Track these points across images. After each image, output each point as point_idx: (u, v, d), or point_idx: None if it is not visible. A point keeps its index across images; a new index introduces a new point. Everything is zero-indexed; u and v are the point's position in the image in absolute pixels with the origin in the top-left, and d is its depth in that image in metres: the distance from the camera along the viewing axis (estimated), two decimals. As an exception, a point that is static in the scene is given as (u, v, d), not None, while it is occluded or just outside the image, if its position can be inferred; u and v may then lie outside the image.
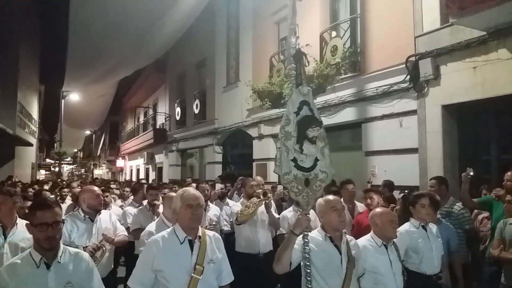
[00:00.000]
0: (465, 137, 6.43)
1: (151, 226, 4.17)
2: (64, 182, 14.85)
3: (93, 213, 4.14)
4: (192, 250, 2.70)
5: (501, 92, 5.51)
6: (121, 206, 7.15)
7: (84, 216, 4.10)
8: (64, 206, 6.53)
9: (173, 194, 4.39)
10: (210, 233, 2.93)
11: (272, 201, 5.58)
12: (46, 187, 10.37)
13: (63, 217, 3.97)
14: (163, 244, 2.70)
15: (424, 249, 3.71)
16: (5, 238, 3.46)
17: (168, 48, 17.00)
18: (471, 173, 4.55)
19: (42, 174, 34.32)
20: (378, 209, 3.62)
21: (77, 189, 7.37)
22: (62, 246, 2.54)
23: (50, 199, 2.58)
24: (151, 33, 13.43)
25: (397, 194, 5.86)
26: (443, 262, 3.91)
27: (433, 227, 3.94)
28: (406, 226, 3.86)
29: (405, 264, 3.58)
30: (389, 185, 6.41)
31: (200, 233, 2.78)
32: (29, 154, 21.13)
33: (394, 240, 3.55)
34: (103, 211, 4.30)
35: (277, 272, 2.96)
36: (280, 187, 7.06)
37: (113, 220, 4.39)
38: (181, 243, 2.71)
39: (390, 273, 3.27)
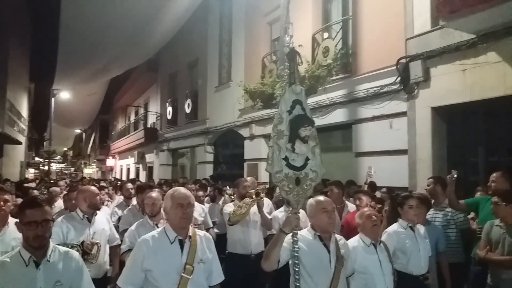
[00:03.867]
0: (454, 139, 6.50)
1: (133, 226, 4.22)
2: (52, 181, 14.73)
3: (91, 213, 4.14)
4: (182, 250, 2.70)
5: (490, 94, 5.58)
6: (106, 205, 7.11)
7: (82, 216, 4.10)
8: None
9: (154, 193, 4.42)
10: (201, 232, 2.93)
11: (268, 200, 5.61)
12: (33, 184, 10.29)
13: (59, 219, 4.00)
14: (153, 244, 2.69)
15: (412, 249, 3.74)
16: None
17: (160, 47, 16.95)
18: (455, 176, 4.60)
19: (31, 172, 33.92)
20: (362, 209, 3.70)
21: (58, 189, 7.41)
22: (51, 244, 2.53)
23: (40, 197, 2.56)
24: (143, 32, 13.37)
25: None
26: (431, 263, 3.94)
27: (421, 228, 3.97)
28: (394, 227, 3.90)
29: (393, 264, 3.61)
30: (371, 186, 6.51)
31: (190, 233, 2.78)
32: (18, 153, 20.86)
33: (383, 239, 3.59)
34: (99, 212, 4.32)
35: (265, 269, 2.98)
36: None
37: (110, 225, 4.43)
38: (171, 243, 2.71)
39: (380, 273, 3.29)
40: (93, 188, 4.37)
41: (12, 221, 3.53)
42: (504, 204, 3.87)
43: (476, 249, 4.21)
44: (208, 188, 8.31)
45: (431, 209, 4.82)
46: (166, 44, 16.48)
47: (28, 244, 2.42)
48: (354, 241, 3.44)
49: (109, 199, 8.21)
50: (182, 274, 2.61)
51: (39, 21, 21.36)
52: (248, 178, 6.13)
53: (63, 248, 2.62)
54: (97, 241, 3.85)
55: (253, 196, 4.91)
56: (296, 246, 2.86)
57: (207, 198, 7.54)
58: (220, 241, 5.25)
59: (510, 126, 5.74)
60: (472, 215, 4.81)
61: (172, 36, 15.60)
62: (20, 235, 3.40)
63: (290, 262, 2.95)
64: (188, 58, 16.57)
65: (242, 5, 12.42)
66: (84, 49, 14.78)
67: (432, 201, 4.93)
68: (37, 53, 22.99)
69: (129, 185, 6.70)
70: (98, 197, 4.23)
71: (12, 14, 16.84)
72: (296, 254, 2.86)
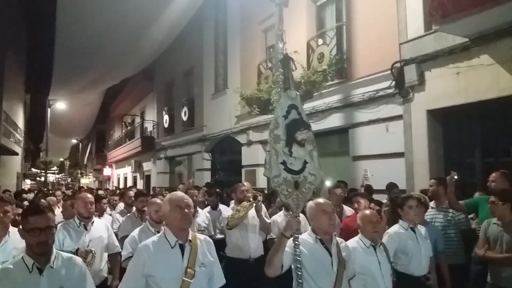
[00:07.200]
0: (450, 141, 6.55)
1: (135, 232, 4.20)
2: (51, 192, 14.68)
3: (88, 221, 4.15)
4: (183, 254, 2.69)
5: (484, 96, 5.64)
6: (110, 215, 7.11)
7: (79, 223, 4.12)
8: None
9: (158, 200, 4.45)
10: (201, 236, 2.93)
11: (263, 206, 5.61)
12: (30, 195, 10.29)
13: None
14: (154, 249, 2.69)
15: (413, 250, 3.78)
16: None
17: (156, 56, 17.00)
18: (455, 177, 4.65)
19: (27, 184, 33.77)
20: (364, 211, 3.73)
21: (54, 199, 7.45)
22: (55, 251, 2.54)
23: (42, 204, 2.58)
24: (139, 41, 13.44)
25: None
26: (431, 263, 3.97)
27: (421, 228, 4.01)
28: (395, 228, 3.93)
29: (394, 265, 3.63)
30: (368, 189, 6.57)
31: (190, 237, 2.78)
32: (14, 164, 20.82)
33: (383, 241, 3.62)
34: (97, 220, 4.31)
35: (269, 275, 2.96)
36: None
37: (109, 233, 4.41)
38: (172, 247, 2.71)
39: (379, 274, 3.32)
40: (86, 196, 4.29)
41: (13, 230, 3.54)
42: (501, 203, 3.92)
43: (475, 248, 4.25)
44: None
45: (431, 210, 4.87)
46: (162, 52, 16.55)
47: (31, 251, 2.43)
48: (354, 242, 3.47)
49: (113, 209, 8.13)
50: (184, 278, 2.61)
51: (34, 32, 21.42)
52: (245, 183, 6.15)
53: (66, 254, 2.63)
54: (92, 249, 3.84)
55: (251, 199, 4.94)
56: (297, 250, 2.87)
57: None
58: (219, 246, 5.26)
59: (505, 127, 5.81)
60: (472, 215, 4.85)
61: (168, 44, 15.67)
62: (21, 245, 3.42)
63: (292, 266, 2.95)
64: (184, 66, 16.63)
65: (237, 13, 12.52)
66: (79, 59, 14.82)
67: (433, 202, 4.97)
68: (32, 64, 23.04)
69: (131, 193, 6.74)
70: (87, 207, 4.16)
71: (8, 25, 16.86)
72: (298, 258, 2.87)
